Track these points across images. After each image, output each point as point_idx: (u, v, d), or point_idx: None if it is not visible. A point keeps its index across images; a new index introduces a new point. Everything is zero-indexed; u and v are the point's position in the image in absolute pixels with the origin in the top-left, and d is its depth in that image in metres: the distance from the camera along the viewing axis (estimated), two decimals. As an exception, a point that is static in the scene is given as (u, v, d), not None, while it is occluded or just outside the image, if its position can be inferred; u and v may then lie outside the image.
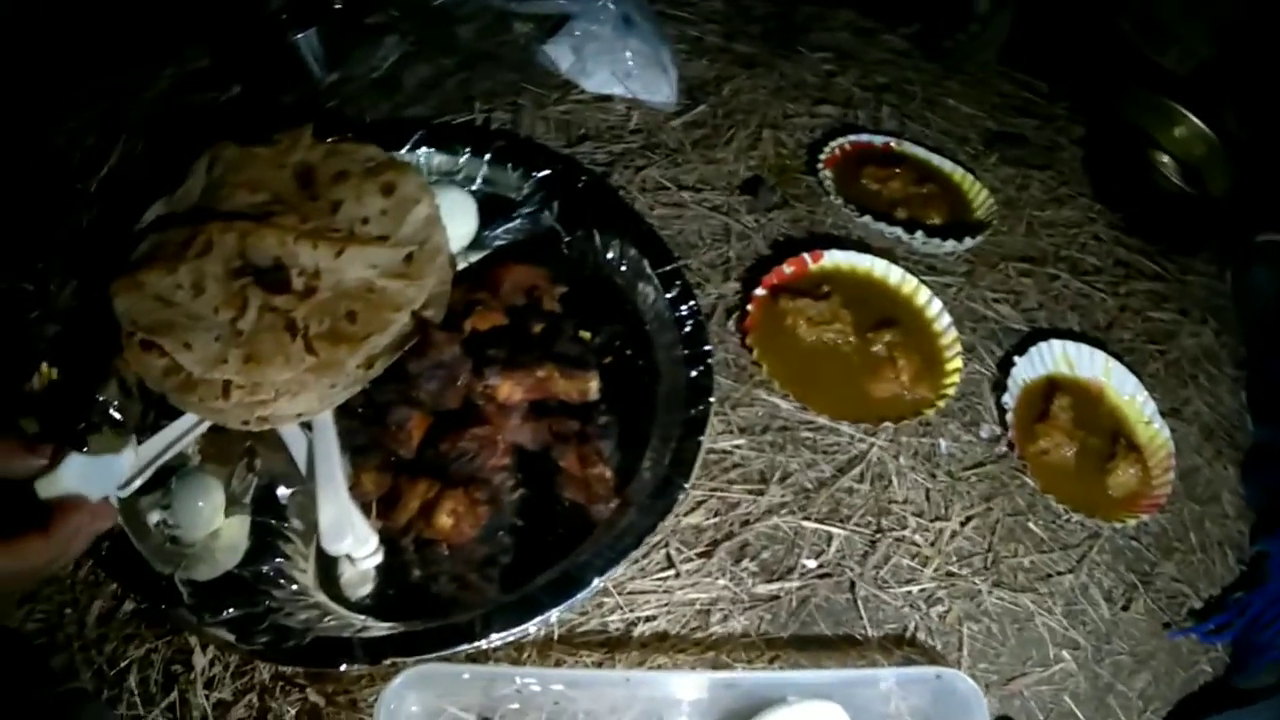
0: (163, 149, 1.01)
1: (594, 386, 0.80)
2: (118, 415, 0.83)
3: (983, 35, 1.19)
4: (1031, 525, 0.84)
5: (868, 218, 0.97)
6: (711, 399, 0.78)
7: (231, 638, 0.68)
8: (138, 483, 0.77)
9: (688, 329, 0.82)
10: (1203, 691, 0.81)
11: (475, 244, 0.89)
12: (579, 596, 0.68)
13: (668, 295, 0.84)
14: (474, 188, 0.92)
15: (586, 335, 0.83)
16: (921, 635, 0.75)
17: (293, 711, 0.70)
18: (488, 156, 0.93)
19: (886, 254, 0.95)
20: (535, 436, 0.79)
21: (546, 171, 0.92)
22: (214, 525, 0.77)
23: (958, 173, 1.05)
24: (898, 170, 1.03)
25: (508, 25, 1.12)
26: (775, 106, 1.09)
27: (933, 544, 0.80)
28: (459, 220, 0.87)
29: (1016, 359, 0.91)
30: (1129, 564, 0.84)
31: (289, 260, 0.82)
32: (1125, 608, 0.82)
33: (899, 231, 0.97)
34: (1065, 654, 0.78)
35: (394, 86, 1.07)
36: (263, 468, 0.80)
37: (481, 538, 0.74)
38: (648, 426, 0.79)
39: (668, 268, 0.85)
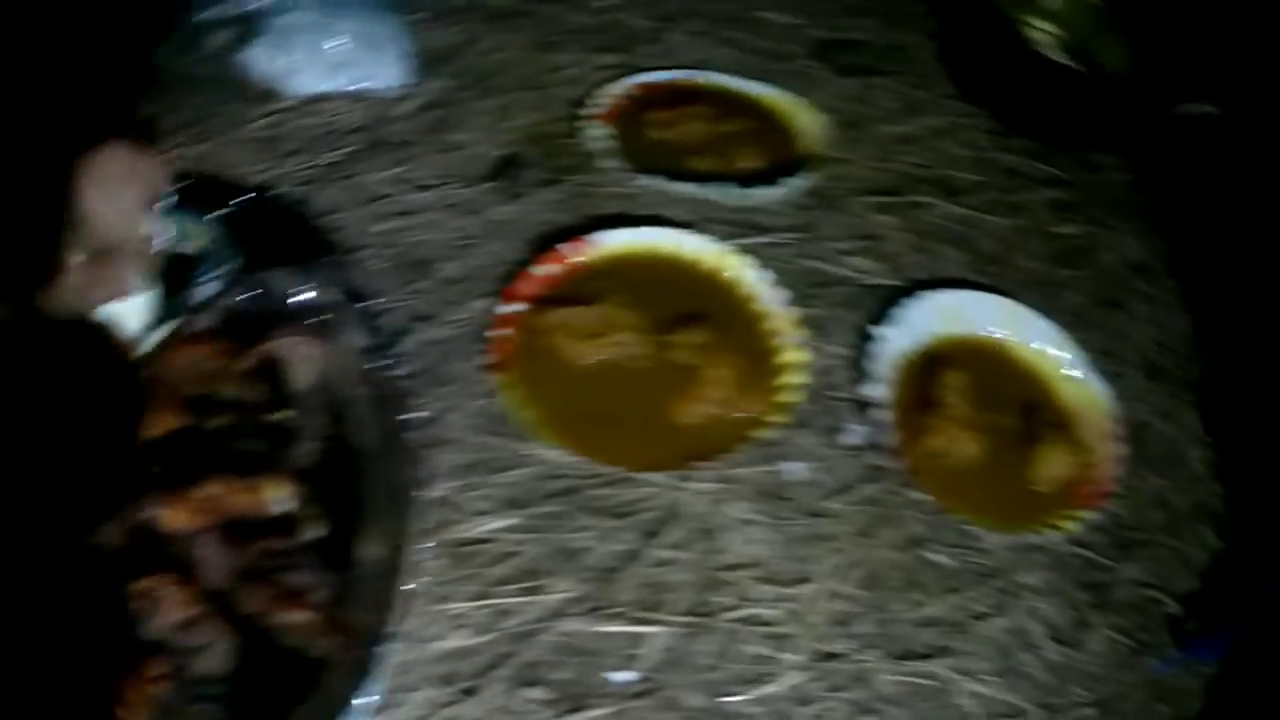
0: None
1: (278, 496, 0.56)
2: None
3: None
4: (934, 558, 0.61)
5: (652, 178, 0.73)
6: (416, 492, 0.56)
7: None
8: None
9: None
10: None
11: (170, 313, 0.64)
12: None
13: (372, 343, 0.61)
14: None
15: (288, 414, 0.60)
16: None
17: None
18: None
19: (689, 222, 0.72)
20: (218, 572, 0.56)
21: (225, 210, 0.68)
22: None
23: (773, 96, 0.82)
24: (690, 110, 0.79)
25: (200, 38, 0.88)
26: (538, 62, 0.85)
27: (794, 616, 0.57)
28: None
29: (883, 329, 0.68)
30: (1077, 579, 0.62)
31: None
32: (1077, 643, 0.59)
33: (693, 189, 0.74)
34: (1007, 729, 0.56)
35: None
36: None
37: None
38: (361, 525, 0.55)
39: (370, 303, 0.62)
